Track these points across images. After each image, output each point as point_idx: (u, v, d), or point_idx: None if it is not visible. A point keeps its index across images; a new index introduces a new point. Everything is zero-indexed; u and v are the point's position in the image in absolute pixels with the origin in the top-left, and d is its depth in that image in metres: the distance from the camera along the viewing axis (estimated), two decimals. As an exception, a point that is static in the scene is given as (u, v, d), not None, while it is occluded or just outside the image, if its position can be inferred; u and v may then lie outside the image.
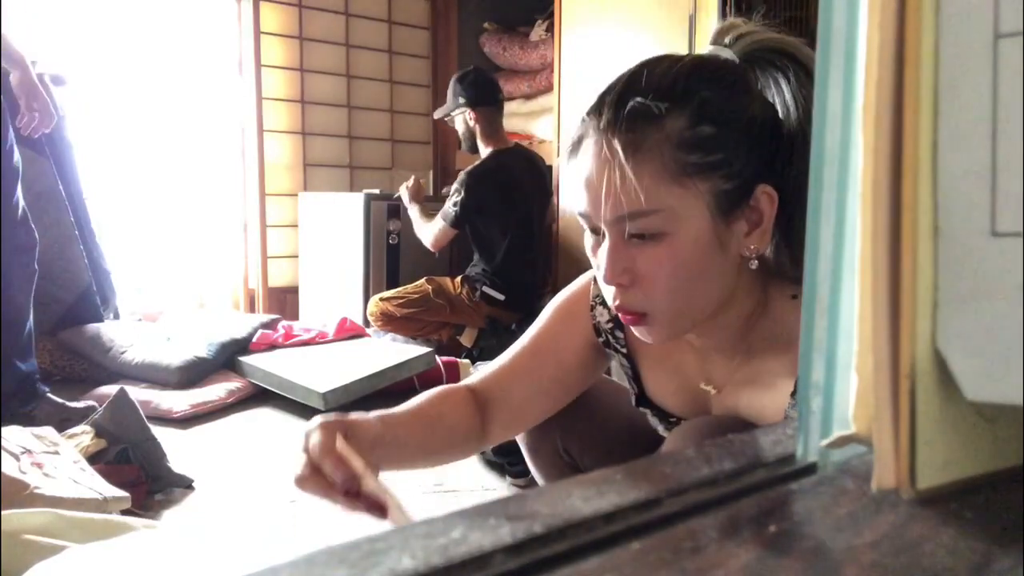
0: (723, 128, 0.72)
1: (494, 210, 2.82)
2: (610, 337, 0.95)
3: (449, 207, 2.82)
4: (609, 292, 0.78)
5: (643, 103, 0.71)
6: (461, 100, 2.86)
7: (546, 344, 0.96)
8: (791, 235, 0.78)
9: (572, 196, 0.78)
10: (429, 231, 2.92)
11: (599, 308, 0.94)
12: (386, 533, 0.27)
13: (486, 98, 2.86)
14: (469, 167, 2.87)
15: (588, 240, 0.80)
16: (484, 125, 2.87)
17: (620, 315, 0.79)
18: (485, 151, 2.89)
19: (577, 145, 0.77)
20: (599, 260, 0.77)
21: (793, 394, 0.78)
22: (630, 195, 0.71)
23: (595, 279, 0.94)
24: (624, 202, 0.71)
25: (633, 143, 0.71)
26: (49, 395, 2.13)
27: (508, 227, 2.84)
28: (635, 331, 0.80)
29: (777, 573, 0.25)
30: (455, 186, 2.83)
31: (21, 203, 2.11)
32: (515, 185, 2.84)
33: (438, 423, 0.88)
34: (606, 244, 0.75)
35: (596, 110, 0.75)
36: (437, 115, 3.05)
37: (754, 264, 0.76)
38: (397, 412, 0.86)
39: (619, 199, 0.71)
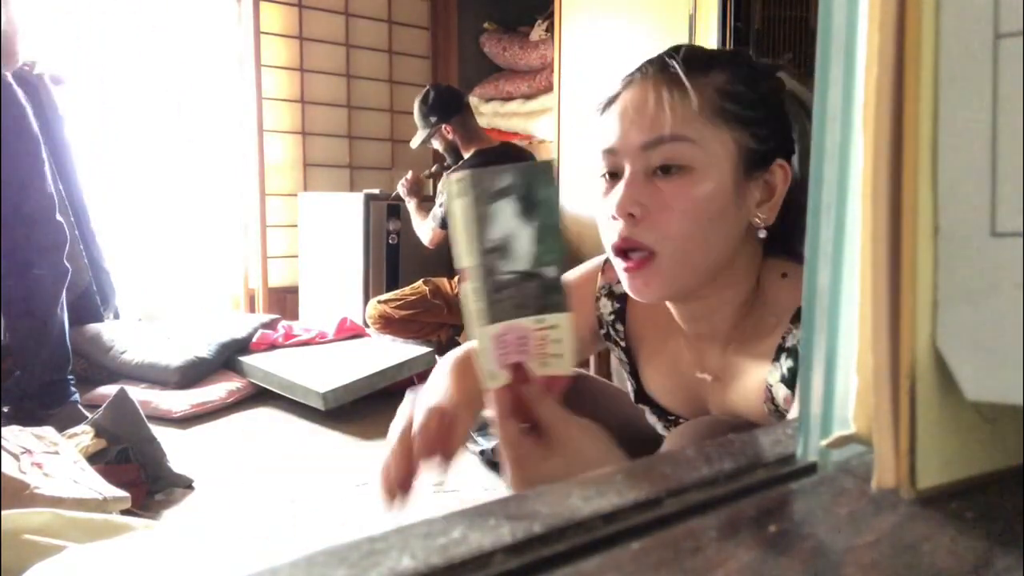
0: (757, 94, 0.78)
1: None
2: (611, 330, 0.96)
3: (437, 209, 2.87)
4: (615, 229, 0.76)
5: (693, 51, 0.79)
6: (433, 119, 2.91)
7: None
8: (793, 221, 0.82)
9: (599, 140, 0.80)
10: (424, 230, 2.96)
11: (603, 299, 0.96)
12: (386, 533, 0.27)
13: (454, 108, 2.92)
14: (451, 170, 2.91)
15: (602, 188, 0.80)
16: (462, 133, 2.93)
17: (622, 262, 0.77)
18: (468, 155, 2.93)
19: (612, 99, 0.81)
20: (611, 199, 0.76)
21: (777, 359, 0.78)
22: (675, 115, 0.74)
23: (602, 270, 0.96)
24: (666, 123, 0.74)
25: (681, 78, 0.76)
26: (77, 404, 2.10)
27: None
28: (631, 283, 0.77)
29: (777, 573, 0.25)
30: (440, 188, 2.88)
31: (54, 198, 2.07)
32: None
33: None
34: (623, 180, 0.76)
35: (640, 67, 0.80)
36: (415, 144, 3.08)
37: (763, 234, 0.79)
38: None
39: (660, 120, 0.74)
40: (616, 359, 0.99)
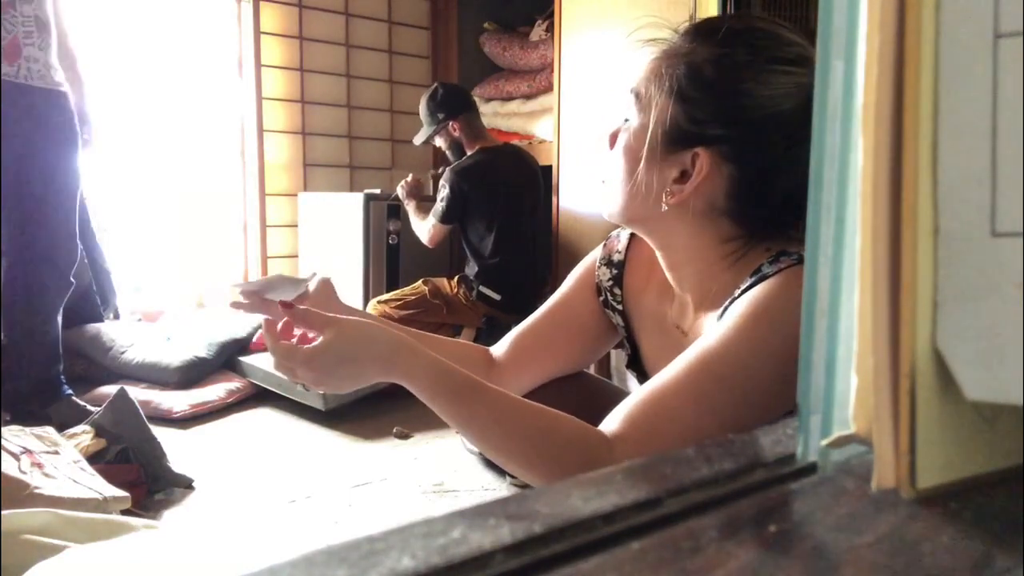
0: (721, 78, 0.78)
1: (478, 204, 2.84)
2: (608, 295, 1.00)
3: (438, 204, 2.87)
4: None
5: (712, 21, 0.85)
6: (441, 116, 2.92)
7: (559, 301, 1.05)
8: (758, 218, 0.83)
9: None
10: (424, 228, 2.96)
11: (602, 268, 1.01)
12: (386, 533, 0.27)
13: (462, 105, 2.93)
14: (453, 164, 2.92)
15: None
16: (467, 131, 2.94)
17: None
18: (472, 152, 2.94)
19: None
20: None
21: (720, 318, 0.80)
22: (641, 77, 0.83)
23: (603, 244, 1.03)
24: (635, 80, 0.84)
25: (673, 50, 0.82)
26: (72, 398, 2.18)
27: (493, 221, 2.85)
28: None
29: (777, 573, 0.25)
30: (441, 182, 2.88)
31: (76, 219, 2.20)
32: (499, 180, 2.86)
33: (439, 344, 1.01)
34: None
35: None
36: (418, 141, 3.09)
37: (664, 208, 0.82)
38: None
39: (637, 77, 0.84)
40: (615, 323, 1.02)
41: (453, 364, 0.77)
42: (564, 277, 1.07)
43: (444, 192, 2.84)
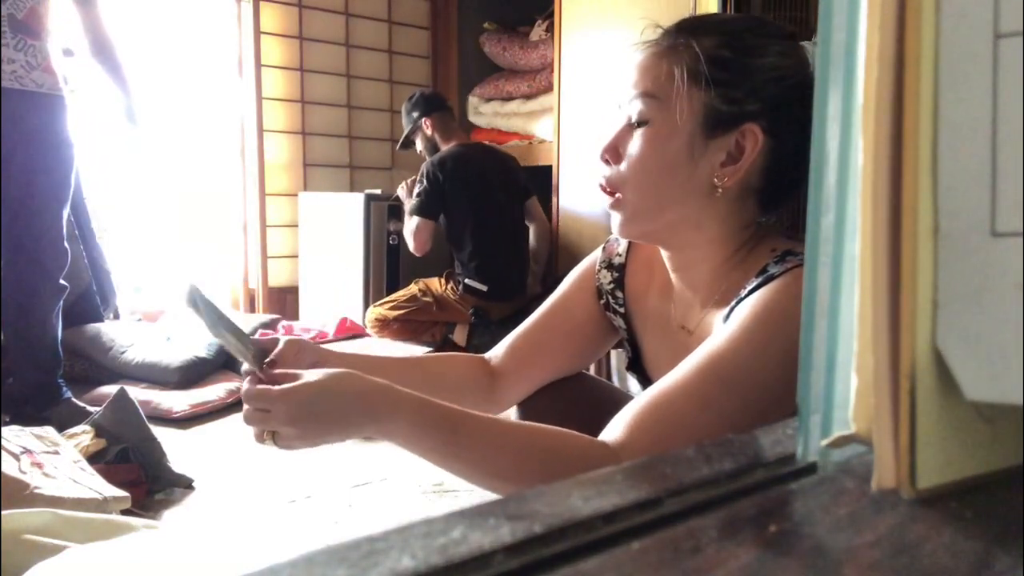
0: (741, 58, 0.80)
1: (454, 195, 2.86)
2: (610, 298, 0.99)
3: (414, 200, 2.88)
4: (602, 172, 0.87)
5: (701, 17, 0.88)
6: (415, 115, 3.03)
7: (557, 304, 1.03)
8: (779, 196, 0.85)
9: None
10: (408, 230, 2.95)
11: (603, 271, 1.00)
12: (386, 533, 0.27)
13: (436, 106, 3.05)
14: (430, 157, 2.96)
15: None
16: (441, 129, 3.02)
17: (608, 199, 0.87)
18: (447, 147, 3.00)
19: None
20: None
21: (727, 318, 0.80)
22: (652, 75, 0.82)
23: (603, 247, 1.03)
24: (643, 81, 0.83)
25: (673, 45, 0.82)
26: (71, 399, 2.17)
27: (470, 212, 2.87)
28: (612, 221, 0.88)
29: (777, 573, 0.25)
30: (418, 177, 2.91)
31: (67, 224, 2.20)
32: (474, 171, 2.89)
33: (432, 365, 1.00)
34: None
35: (658, 29, 0.88)
36: (399, 145, 3.20)
37: (718, 192, 0.82)
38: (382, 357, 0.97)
39: (641, 79, 0.83)
40: (616, 325, 1.01)
41: (435, 400, 0.74)
42: (563, 276, 1.07)
43: (421, 185, 2.86)
